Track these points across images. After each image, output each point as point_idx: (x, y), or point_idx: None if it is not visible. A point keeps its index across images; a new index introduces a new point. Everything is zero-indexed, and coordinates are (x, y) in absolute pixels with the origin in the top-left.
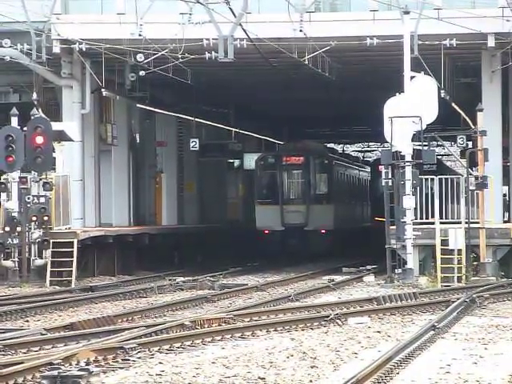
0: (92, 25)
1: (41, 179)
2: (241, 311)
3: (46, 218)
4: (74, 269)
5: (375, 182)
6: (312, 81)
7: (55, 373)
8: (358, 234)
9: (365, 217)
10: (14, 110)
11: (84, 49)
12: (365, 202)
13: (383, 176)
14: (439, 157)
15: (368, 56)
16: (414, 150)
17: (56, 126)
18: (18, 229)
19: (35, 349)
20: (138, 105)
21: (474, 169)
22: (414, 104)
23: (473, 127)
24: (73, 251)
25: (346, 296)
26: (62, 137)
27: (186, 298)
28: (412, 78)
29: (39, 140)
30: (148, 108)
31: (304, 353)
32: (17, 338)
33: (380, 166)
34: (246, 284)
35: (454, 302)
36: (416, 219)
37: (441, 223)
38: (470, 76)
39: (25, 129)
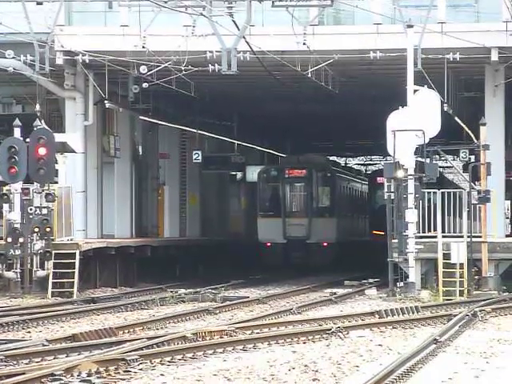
0: (95, 37)
1: (43, 190)
2: (242, 324)
3: (48, 230)
4: (75, 280)
5: (373, 195)
6: (315, 94)
7: None
8: (359, 247)
9: (366, 230)
10: (17, 122)
11: (87, 60)
12: (367, 216)
13: (385, 189)
14: (440, 169)
15: (371, 69)
16: (416, 162)
17: (59, 137)
18: (20, 240)
19: (37, 360)
20: (140, 117)
21: (476, 183)
22: (417, 118)
23: (476, 141)
24: (75, 262)
25: (348, 309)
26: (64, 148)
27: (188, 310)
28: (415, 91)
29: (42, 151)
30: (151, 120)
31: (306, 366)
32: (19, 348)
33: (378, 178)
34: (248, 296)
35: (455, 315)
36: (419, 232)
37: (443, 237)
38: (474, 90)
39: (27, 140)
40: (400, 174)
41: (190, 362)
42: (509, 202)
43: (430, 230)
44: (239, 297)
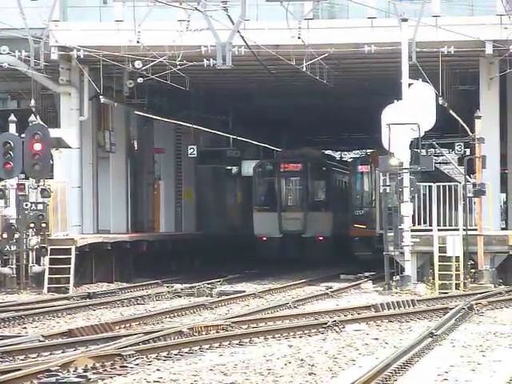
0: (90, 32)
1: (39, 186)
2: (239, 318)
3: (43, 225)
4: (71, 275)
5: (354, 185)
6: (310, 88)
7: (53, 380)
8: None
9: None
10: (12, 117)
11: (82, 56)
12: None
13: (381, 183)
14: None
15: (366, 63)
16: (411, 151)
17: (54, 132)
18: (16, 235)
19: (33, 356)
20: (136, 112)
21: (471, 176)
22: (411, 111)
23: (471, 134)
24: (71, 258)
25: (344, 303)
26: (59, 144)
27: (184, 305)
28: (410, 85)
29: (37, 147)
30: (146, 115)
31: (302, 360)
32: (15, 344)
33: (360, 166)
34: (244, 291)
35: (451, 309)
36: (414, 225)
37: (438, 230)
38: (468, 83)
39: (23, 136)
40: (393, 162)
41: (187, 356)
42: (504, 194)
43: (425, 223)
44: (235, 291)
